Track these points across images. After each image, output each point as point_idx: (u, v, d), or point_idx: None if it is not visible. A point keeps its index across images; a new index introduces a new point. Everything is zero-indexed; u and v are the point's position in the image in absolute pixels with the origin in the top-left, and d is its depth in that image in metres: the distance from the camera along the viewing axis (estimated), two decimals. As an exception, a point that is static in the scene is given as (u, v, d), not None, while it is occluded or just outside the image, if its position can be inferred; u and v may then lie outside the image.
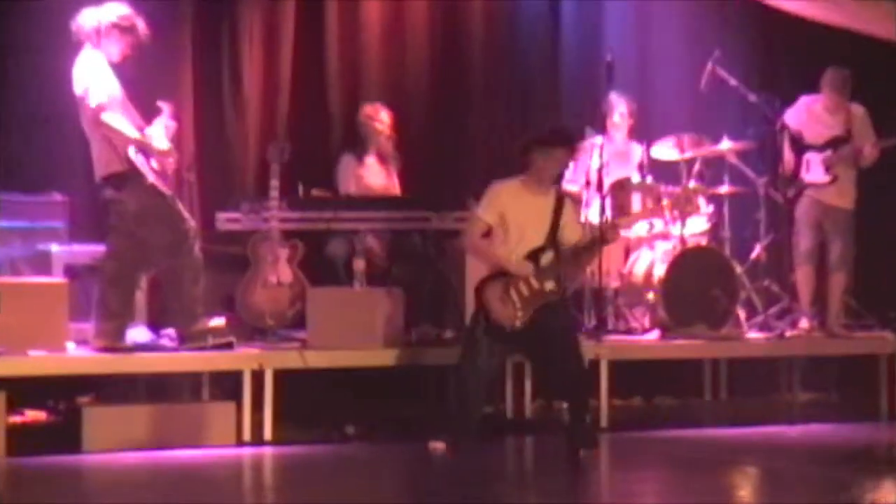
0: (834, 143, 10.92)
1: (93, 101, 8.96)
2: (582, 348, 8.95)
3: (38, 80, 9.99)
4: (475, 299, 8.69)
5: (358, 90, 11.33)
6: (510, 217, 8.61)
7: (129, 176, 9.02)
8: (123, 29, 9.14)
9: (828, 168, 10.90)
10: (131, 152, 9.00)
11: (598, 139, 10.33)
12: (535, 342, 8.71)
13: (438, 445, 8.67)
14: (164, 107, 9.23)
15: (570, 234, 8.71)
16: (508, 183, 8.74)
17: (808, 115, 11.01)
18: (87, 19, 9.11)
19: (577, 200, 10.16)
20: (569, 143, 8.80)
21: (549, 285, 8.57)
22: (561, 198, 8.75)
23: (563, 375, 8.73)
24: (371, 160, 10.65)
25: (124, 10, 9.17)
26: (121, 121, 9.00)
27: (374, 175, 10.63)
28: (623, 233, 10.48)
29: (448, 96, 11.63)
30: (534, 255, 8.56)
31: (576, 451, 8.54)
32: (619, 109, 10.86)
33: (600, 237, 9.00)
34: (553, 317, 8.60)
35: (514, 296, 8.49)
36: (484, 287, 8.59)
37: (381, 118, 10.65)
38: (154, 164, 9.08)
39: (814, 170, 10.94)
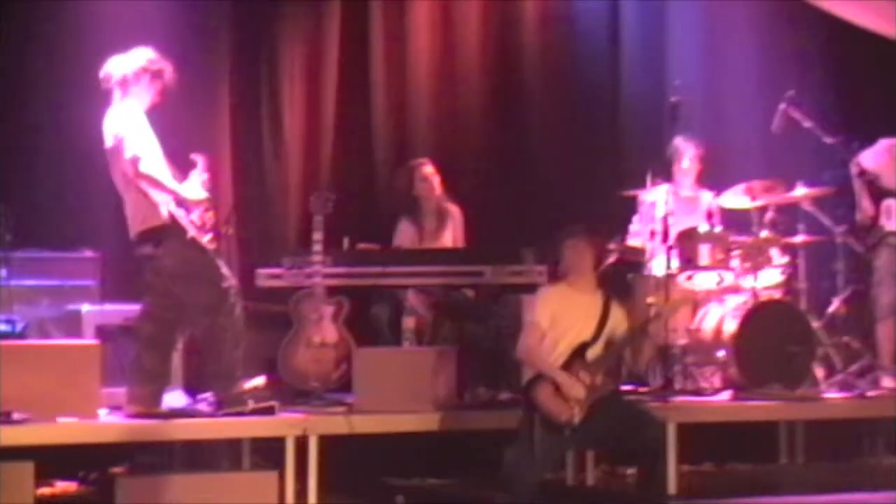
0: (917, 187, 10.98)
1: (128, 152, 9.06)
2: (657, 421, 9.01)
3: (65, 132, 10.18)
4: (525, 399, 8.78)
5: (405, 135, 11.53)
6: (561, 318, 8.80)
7: (169, 231, 9.13)
8: (153, 73, 9.26)
9: (909, 214, 10.95)
10: (171, 205, 9.13)
11: (665, 186, 10.49)
12: (598, 433, 8.82)
13: (495, 517, 8.79)
14: (199, 159, 9.33)
15: (618, 327, 8.92)
16: (556, 287, 9.06)
17: (888, 157, 10.99)
18: (114, 66, 9.24)
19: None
20: (578, 234, 9.00)
21: (600, 379, 8.70)
22: (608, 299, 8.94)
23: (636, 448, 8.86)
24: (429, 221, 10.75)
25: (152, 54, 9.30)
26: (159, 171, 9.12)
27: (431, 238, 10.72)
28: (688, 285, 10.61)
29: (501, 150, 11.78)
30: (580, 350, 8.71)
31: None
32: (688, 154, 10.93)
33: (642, 329, 9.15)
34: (610, 406, 8.73)
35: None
36: (535, 386, 8.69)
37: (427, 175, 10.72)
38: (195, 217, 9.19)
39: (894, 216, 10.91)
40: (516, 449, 8.79)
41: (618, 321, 8.96)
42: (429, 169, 10.72)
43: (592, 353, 8.73)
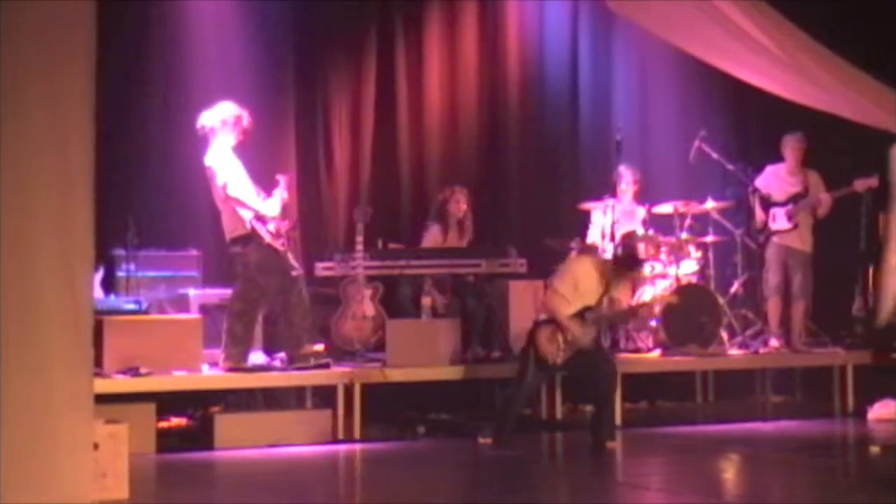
0: (795, 198, 10.85)
1: (220, 180, 9.06)
2: (614, 364, 9.00)
3: (176, 162, 10.08)
4: (528, 336, 8.77)
5: (423, 165, 11.37)
6: (580, 287, 8.69)
7: (251, 237, 9.09)
8: (234, 120, 9.15)
9: (790, 217, 10.82)
10: (252, 219, 9.07)
11: (611, 202, 10.45)
12: (573, 367, 8.83)
13: (486, 440, 8.79)
14: (282, 178, 9.27)
15: (617, 300, 8.90)
16: (581, 259, 9.16)
17: (773, 178, 10.93)
18: (205, 118, 9.15)
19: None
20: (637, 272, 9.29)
21: (586, 339, 8.71)
22: (613, 279, 8.81)
23: (595, 389, 8.84)
24: (452, 231, 10.50)
25: (232, 106, 9.19)
26: (244, 193, 9.07)
27: (453, 243, 10.46)
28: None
29: (492, 170, 11.65)
30: (583, 312, 8.68)
31: (601, 443, 8.62)
32: (626, 179, 10.80)
33: (631, 315, 9.39)
34: (586, 354, 8.72)
35: (560, 339, 8.63)
36: (538, 328, 8.70)
37: (460, 199, 10.47)
38: (271, 227, 9.12)
39: (779, 220, 10.85)
40: (513, 384, 8.84)
41: (619, 295, 8.90)
42: (462, 195, 10.50)
43: (590, 315, 8.69)
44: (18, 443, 5.61)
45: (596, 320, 8.77)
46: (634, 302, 9.72)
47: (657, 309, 9.97)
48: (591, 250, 10.43)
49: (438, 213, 10.55)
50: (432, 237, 10.50)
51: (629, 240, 10.31)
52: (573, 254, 10.03)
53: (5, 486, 5.58)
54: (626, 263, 8.96)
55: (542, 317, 8.77)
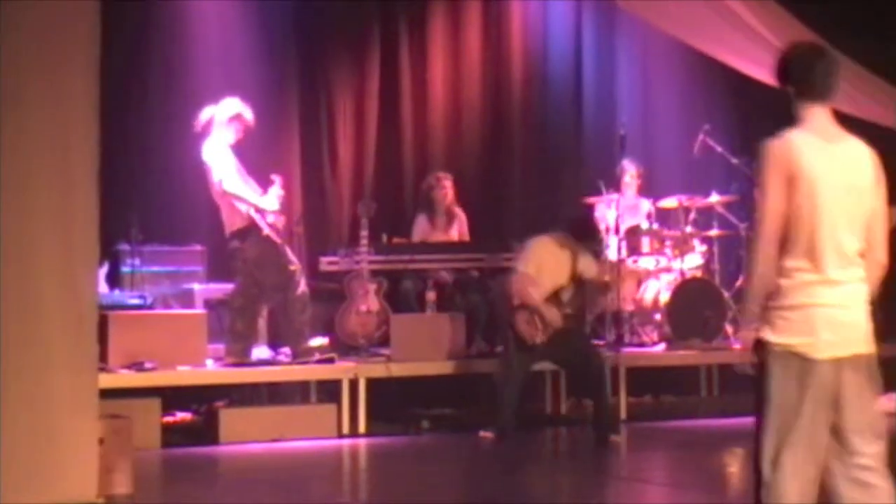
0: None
1: (216, 176, 9.07)
2: (601, 357, 9.03)
3: (179, 160, 10.00)
4: (507, 321, 8.82)
5: (427, 160, 11.37)
6: (544, 266, 8.77)
7: (250, 230, 9.09)
8: (234, 118, 9.13)
9: (791, 208, 10.86)
10: (251, 212, 9.09)
11: (615, 195, 10.48)
12: (558, 353, 8.86)
13: (487, 434, 8.81)
14: (276, 178, 9.28)
15: (587, 271, 8.93)
16: (541, 239, 8.95)
17: None
18: (204, 114, 9.14)
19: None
20: (594, 241, 9.22)
21: (565, 315, 8.72)
22: (576, 250, 8.92)
23: (585, 377, 8.88)
24: (440, 219, 10.60)
25: (235, 102, 9.18)
26: (240, 188, 9.09)
27: (440, 231, 10.57)
28: (633, 266, 10.61)
29: (495, 165, 11.65)
30: (557, 292, 8.71)
31: (603, 437, 8.64)
32: (630, 172, 10.81)
33: (602, 288, 9.33)
34: (569, 335, 8.75)
35: (538, 321, 8.66)
36: (515, 312, 8.73)
37: (445, 186, 10.57)
38: (269, 219, 9.14)
39: None
40: (499, 367, 8.89)
41: (585, 266, 8.95)
42: (447, 181, 10.61)
43: (565, 295, 8.73)
44: (22, 442, 5.65)
45: (595, 291, 8.91)
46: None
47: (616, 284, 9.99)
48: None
49: (424, 202, 10.60)
50: (420, 228, 10.56)
51: (584, 211, 10.39)
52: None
53: (9, 485, 5.62)
54: (578, 232, 8.95)
55: (517, 302, 8.80)
